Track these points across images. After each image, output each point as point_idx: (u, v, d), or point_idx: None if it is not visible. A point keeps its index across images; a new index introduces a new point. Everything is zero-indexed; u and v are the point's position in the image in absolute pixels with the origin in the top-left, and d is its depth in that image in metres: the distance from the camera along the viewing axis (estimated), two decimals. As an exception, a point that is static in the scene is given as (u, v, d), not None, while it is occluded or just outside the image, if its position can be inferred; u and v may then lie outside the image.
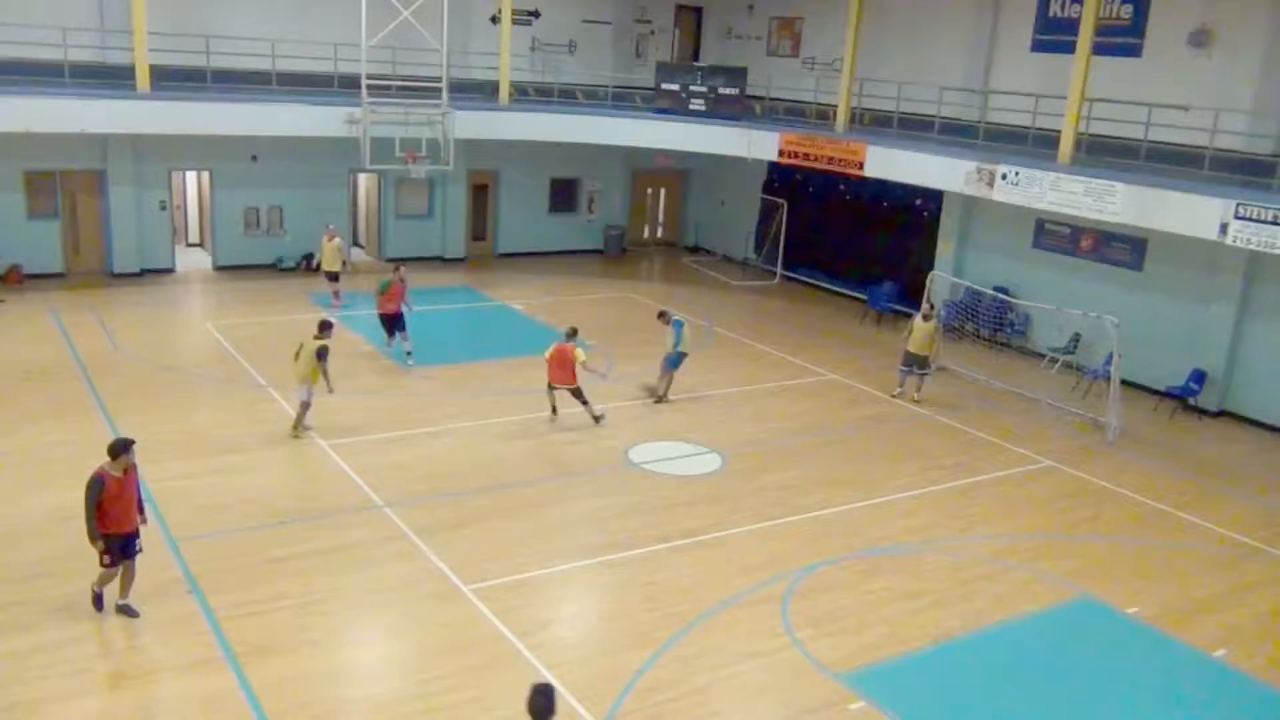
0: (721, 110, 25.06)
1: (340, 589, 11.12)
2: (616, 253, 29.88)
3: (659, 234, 32.15)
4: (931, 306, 18.90)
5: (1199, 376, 19.02)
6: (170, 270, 24.52)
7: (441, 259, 27.63)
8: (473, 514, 13.10)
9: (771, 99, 27.12)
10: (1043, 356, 21.61)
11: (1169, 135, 18.67)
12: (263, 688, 9.32)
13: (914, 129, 22.64)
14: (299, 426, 15.03)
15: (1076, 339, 21.02)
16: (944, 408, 18.21)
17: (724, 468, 15.13)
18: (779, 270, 28.20)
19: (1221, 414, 19.05)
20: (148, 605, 10.38)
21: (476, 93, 25.85)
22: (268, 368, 17.79)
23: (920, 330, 18.16)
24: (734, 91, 25.25)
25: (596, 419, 16.21)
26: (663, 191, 31.63)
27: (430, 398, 17.18)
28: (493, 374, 18.67)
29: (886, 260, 25.54)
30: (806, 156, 23.52)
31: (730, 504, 13.88)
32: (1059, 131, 19.44)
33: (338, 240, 22.44)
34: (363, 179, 27.33)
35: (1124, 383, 18.22)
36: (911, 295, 22.91)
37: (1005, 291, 21.75)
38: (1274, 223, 15.48)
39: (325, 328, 15.05)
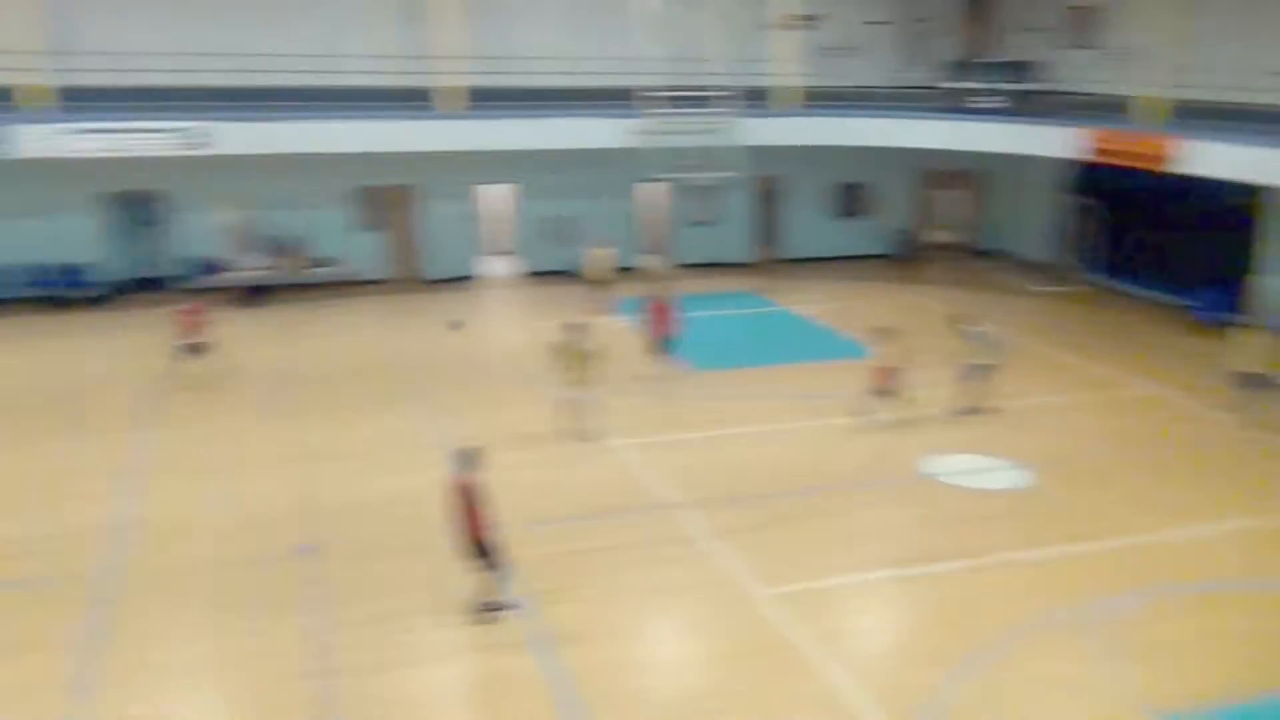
0: (1015, 107, 23.85)
1: (637, 585, 11.40)
2: (906, 257, 29.09)
3: (951, 237, 31.00)
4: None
5: None
6: (474, 278, 26.17)
7: (729, 264, 27.92)
8: (766, 519, 13.08)
9: (1069, 93, 25.47)
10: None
11: None
12: (566, 673, 9.70)
13: (1234, 120, 20.57)
14: (584, 429, 15.47)
15: None
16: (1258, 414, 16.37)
17: (1029, 483, 14.31)
18: (1084, 275, 26.46)
19: None
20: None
21: (761, 99, 25.92)
22: (501, 369, 18.63)
23: (1253, 345, 16.32)
24: (1028, 87, 23.96)
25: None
26: (956, 193, 30.48)
27: (720, 401, 17.35)
28: (781, 379, 18.62)
29: (1210, 265, 23.30)
30: (1118, 154, 21.91)
31: (1038, 522, 13.10)
32: None
33: (609, 250, 23.02)
34: (651, 187, 28.07)
35: None
36: (1237, 301, 20.83)
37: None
38: None
39: (576, 329, 15.41)
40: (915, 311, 23.81)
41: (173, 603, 10.88)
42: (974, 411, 16.51)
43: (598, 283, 22.90)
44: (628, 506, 13.36)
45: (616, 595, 11.21)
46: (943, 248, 30.70)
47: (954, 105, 24.50)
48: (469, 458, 10.13)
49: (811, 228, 28.80)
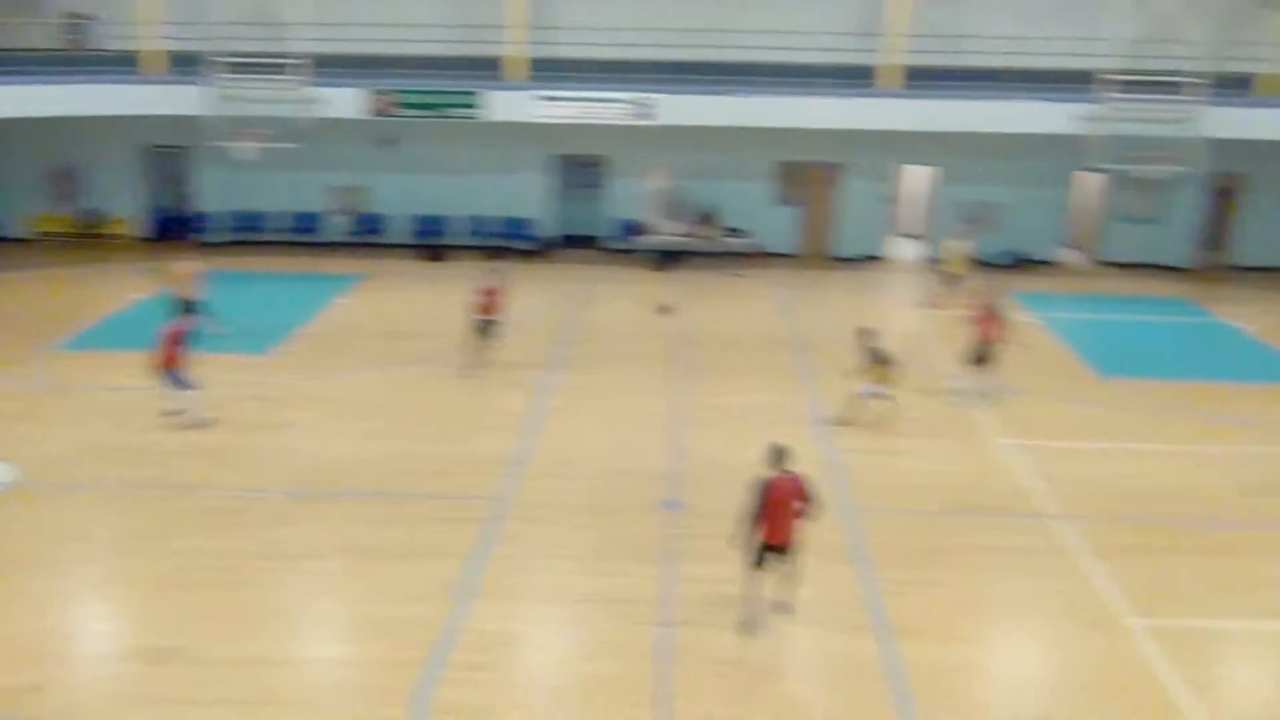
0: None
1: (995, 590, 11.02)
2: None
3: None
4: None
5: None
6: (882, 258, 25.97)
7: (1163, 266, 25.51)
8: (1154, 544, 12.06)
9: None
10: None
11: None
12: (906, 666, 9.65)
13: None
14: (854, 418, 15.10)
15: None
16: None
17: None
18: None
19: None
20: (815, 560, 11.20)
21: (1238, 87, 23.20)
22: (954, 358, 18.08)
23: None
24: None
25: None
26: None
27: (1125, 412, 16.08)
28: (1199, 396, 16.86)
29: None
30: None
31: None
32: None
33: (965, 242, 22.08)
34: (1086, 177, 26.21)
35: None
36: None
37: None
38: None
39: (869, 334, 15.13)
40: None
41: (548, 534, 12.07)
42: None
43: (951, 275, 21.85)
44: (1003, 508, 12.87)
45: (974, 597, 10.91)
46: None
47: None
48: (779, 455, 9.88)
49: (1273, 232, 25.49)
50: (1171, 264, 25.54)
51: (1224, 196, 25.51)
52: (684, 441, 14.64)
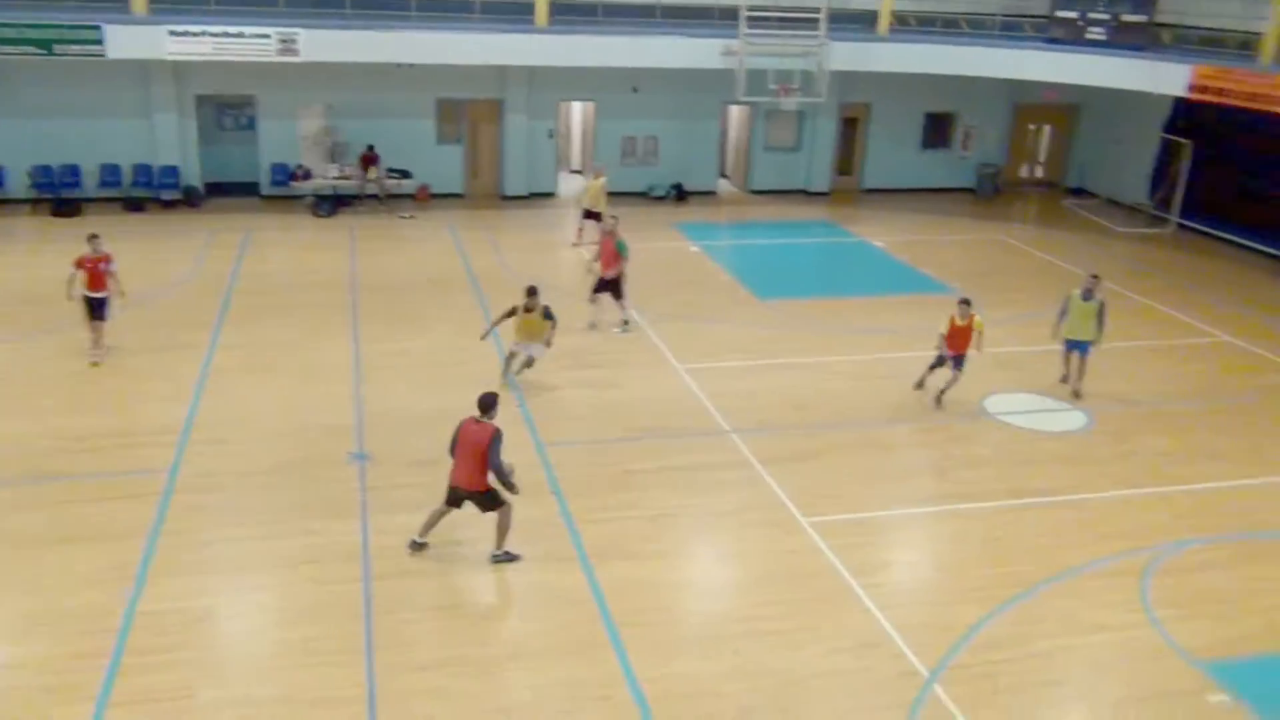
0: (1123, 39, 22.88)
1: (686, 507, 11.60)
2: (989, 192, 28.35)
3: (1039, 173, 30.12)
4: None
5: None
6: (553, 195, 26.25)
7: (805, 192, 27.56)
8: (818, 448, 13.15)
9: (1184, 26, 24.35)
10: None
11: None
12: (609, 588, 9.98)
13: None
14: (507, 375, 14.49)
15: None
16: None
17: (1090, 426, 14.14)
18: (1175, 218, 25.58)
19: None
20: (519, 501, 11.32)
21: (855, 23, 25.25)
22: (632, 291, 18.67)
23: None
24: (1140, 19, 22.96)
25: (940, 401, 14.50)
26: (1047, 128, 29.52)
27: (784, 330, 17.32)
28: (849, 310, 18.49)
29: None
30: (1221, 92, 20.98)
31: (1093, 466, 12.97)
32: None
33: (604, 180, 21.37)
34: (734, 110, 27.69)
35: None
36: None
37: None
38: None
39: (530, 294, 14.08)
40: (993, 249, 23.35)
41: (228, 501, 11.38)
42: (1077, 395, 14.96)
43: (592, 213, 21.13)
44: (686, 430, 13.52)
45: (665, 515, 11.42)
46: (1030, 184, 29.88)
47: (1065, 36, 23.50)
48: (481, 404, 10.00)
49: (895, 158, 28.19)
50: (813, 189, 27.62)
51: (851, 125, 27.84)
52: (367, 391, 14.19)
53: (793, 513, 11.51)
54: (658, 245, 22.17)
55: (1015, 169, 29.63)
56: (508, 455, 10.04)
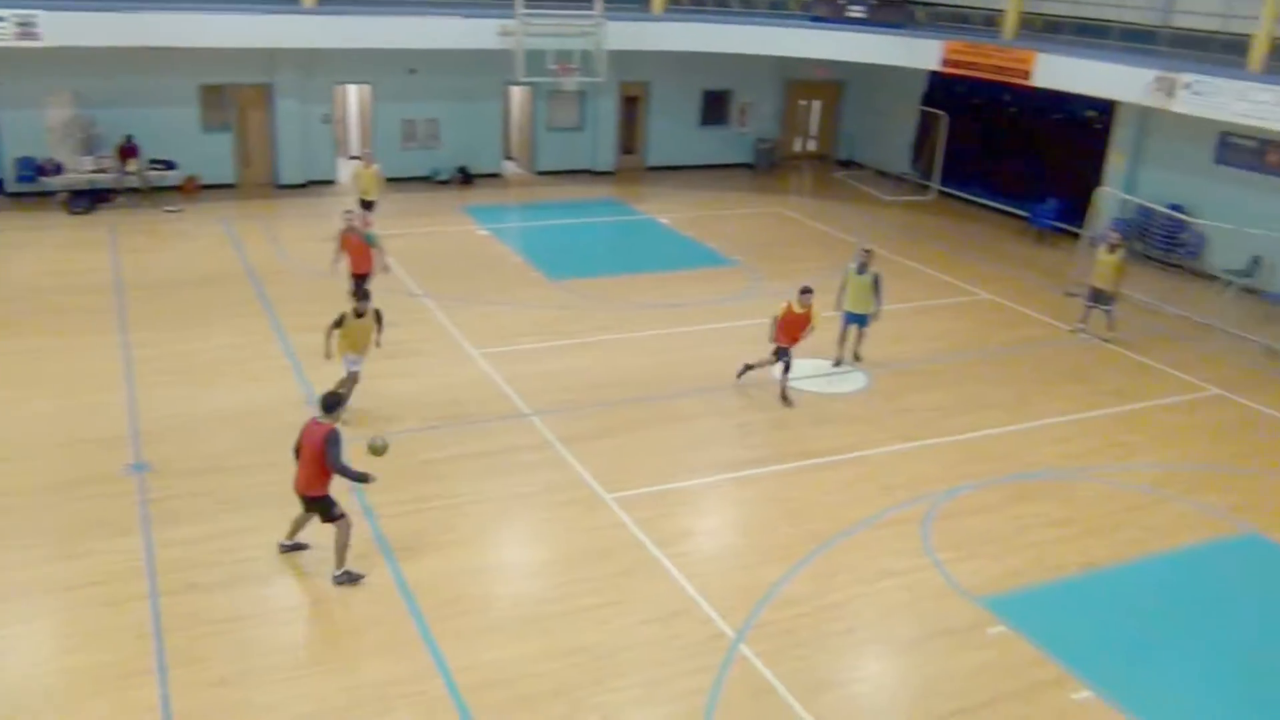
0: (881, 17, 24.10)
1: (487, 492, 11.52)
2: (767, 166, 29.38)
3: (811, 147, 31.43)
4: (1121, 237, 17.52)
5: (1395, 304, 17.63)
6: (333, 182, 25.40)
7: (591, 172, 27.76)
8: (617, 425, 13.32)
9: (934, 4, 25.91)
10: (1216, 279, 20.35)
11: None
12: (415, 582, 9.81)
13: (1089, 35, 21.31)
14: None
15: (1256, 261, 19.70)
16: (1101, 330, 17.39)
17: (869, 386, 14.92)
18: (935, 185, 27.26)
19: None
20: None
21: (631, 3, 25.54)
22: (423, 277, 18.37)
23: (1104, 263, 16.95)
24: (894, -3, 24.25)
25: (786, 399, 14.23)
26: (817, 103, 30.82)
27: (577, 309, 17.43)
28: (639, 287, 18.78)
29: (1052, 176, 24.33)
30: (971, 66, 22.48)
31: (874, 423, 13.71)
32: (1251, 36, 17.96)
33: (376, 167, 20.39)
34: (516, 92, 27.54)
35: (1308, 309, 17.05)
36: (1076, 213, 21.83)
37: (1180, 209, 20.49)
38: None
39: (362, 299, 12.89)
40: (773, 221, 24.22)
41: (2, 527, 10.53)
42: (858, 359, 15.55)
43: (366, 203, 20.06)
44: (482, 415, 13.40)
45: (467, 502, 11.32)
46: (804, 157, 31.13)
47: (828, 14, 24.49)
48: (322, 404, 9.65)
49: (675, 135, 28.76)
50: (598, 168, 27.83)
51: (633, 104, 28.20)
52: (141, 398, 13.35)
53: (596, 490, 11.63)
54: (446, 230, 21.87)
55: (790, 143, 30.79)
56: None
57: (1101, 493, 12.20)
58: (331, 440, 9.39)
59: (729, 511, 11.75)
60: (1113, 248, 16.90)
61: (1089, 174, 22.67)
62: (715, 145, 29.28)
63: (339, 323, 12.58)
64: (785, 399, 14.13)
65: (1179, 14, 21.20)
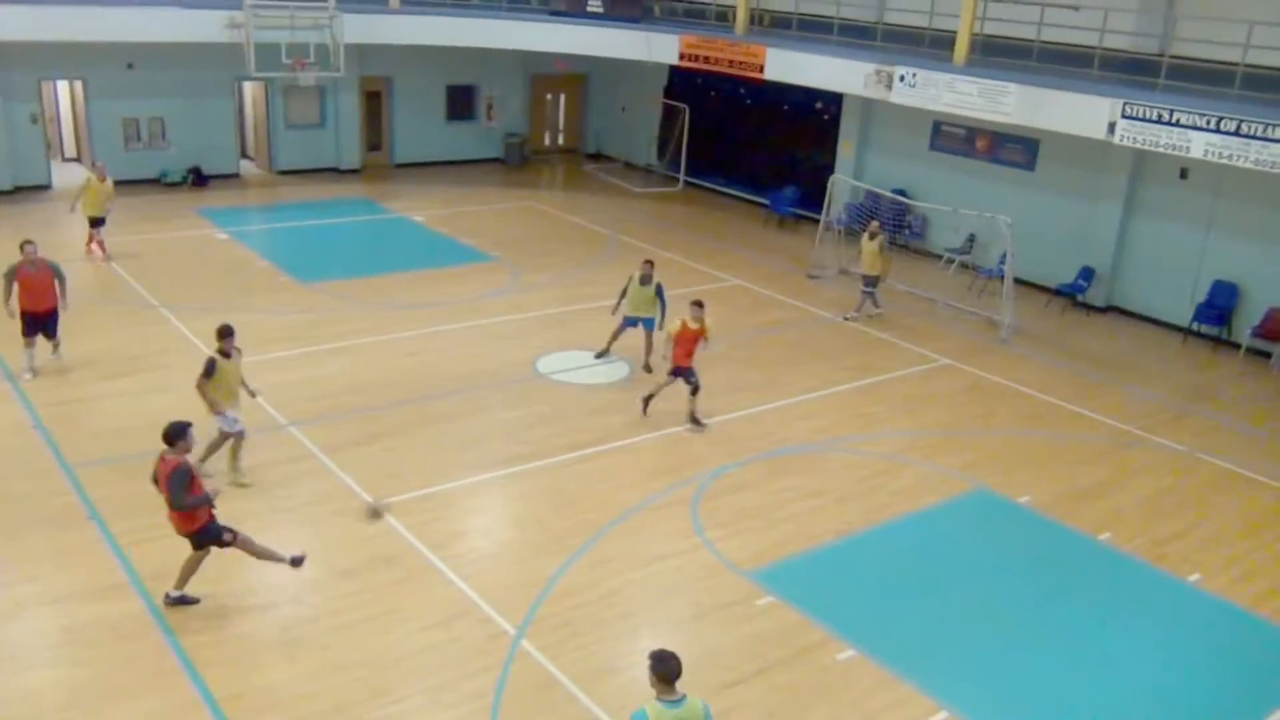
0: (619, 12, 24.55)
1: (249, 511, 10.94)
2: (517, 161, 29.37)
3: (560, 141, 31.67)
4: (880, 225, 18.61)
5: (1087, 273, 19.69)
6: (47, 187, 23.35)
7: (336, 170, 26.84)
8: (381, 429, 12.99)
9: (670, 0, 26.67)
10: (940, 257, 22.08)
11: (1061, 35, 18.90)
12: (172, 611, 9.22)
13: (814, 31, 22.54)
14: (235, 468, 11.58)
15: (972, 239, 21.51)
16: (846, 310, 18.52)
17: (631, 375, 15.23)
18: (682, 176, 28.10)
19: (1109, 309, 19.78)
20: (47, 531, 10.16)
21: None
22: (157, 287, 17.22)
23: (866, 250, 17.98)
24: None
25: (697, 420, 13.67)
26: (562, 97, 31.07)
27: (332, 313, 16.84)
28: (395, 287, 18.36)
29: (788, 164, 25.66)
30: (707, 60, 23.28)
31: (638, 411, 14.00)
32: (955, 33, 19.53)
33: (110, 181, 18.76)
34: (249, 87, 26.23)
35: (1017, 281, 18.75)
36: (813, 199, 23.09)
37: (903, 193, 22.07)
38: (1159, 121, 15.91)
39: (227, 335, 11.29)
40: (525, 215, 24.26)
41: None
42: (648, 369, 15.14)
43: (96, 219, 18.61)
44: (234, 429, 12.72)
45: (225, 521, 10.70)
46: (554, 151, 31.33)
47: (567, 8, 24.64)
48: (170, 436, 9.00)
49: (422, 131, 28.24)
50: (344, 167, 26.93)
51: (376, 99, 27.47)
52: None
53: (365, 498, 11.30)
54: (181, 235, 20.59)
55: (539, 137, 30.90)
56: (35, 479, 8.88)
57: (850, 462, 13.00)
58: (172, 476, 8.79)
59: (501, 509, 11.71)
60: (873, 235, 18.01)
61: (822, 162, 24.07)
62: (464, 141, 28.98)
63: (209, 371, 11.02)
64: (695, 422, 13.59)
65: (892, 11, 22.81)
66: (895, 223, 22.37)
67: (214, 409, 11.15)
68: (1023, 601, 10.42)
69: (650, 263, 15.55)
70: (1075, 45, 18.47)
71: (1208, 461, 13.62)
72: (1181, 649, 9.85)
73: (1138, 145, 16.42)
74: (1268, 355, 17.44)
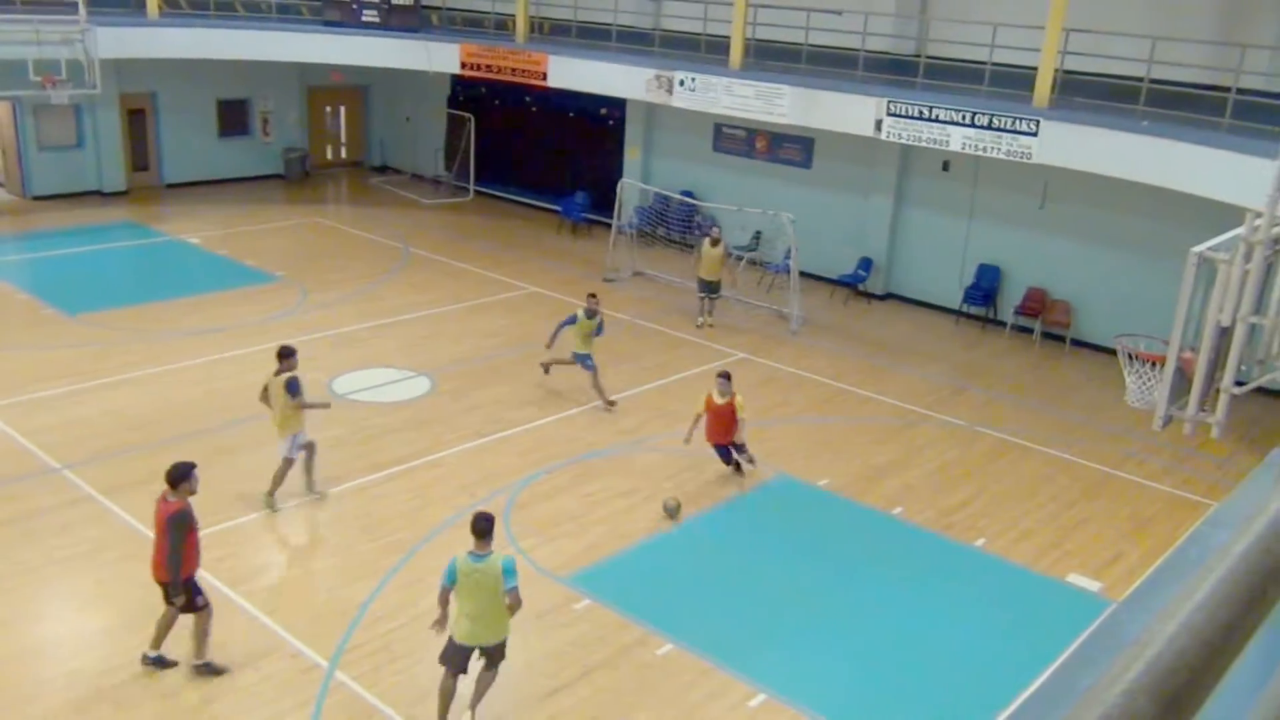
0: (395, 22, 24.10)
1: (23, 563, 10.14)
2: (298, 176, 28.34)
3: (343, 154, 30.78)
4: (719, 230, 18.95)
5: (866, 264, 20.75)
6: None
7: (100, 193, 25.14)
8: (166, 466, 12.21)
9: (448, 9, 26.37)
10: (730, 255, 22.73)
11: (827, 39, 19.84)
12: (-60, 682, 8.43)
13: (593, 38, 22.80)
14: (271, 495, 11.46)
15: (758, 236, 22.28)
16: (643, 311, 18.83)
17: (433, 389, 14.98)
18: (472, 186, 27.84)
19: (888, 297, 20.91)
20: None
21: (120, 5, 23.37)
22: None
23: (710, 255, 18.22)
24: (408, 1, 24.34)
25: (747, 462, 12.79)
26: (343, 109, 30.21)
27: (104, 346, 15.79)
28: (174, 314, 17.39)
29: (578, 170, 25.85)
30: (489, 68, 23.16)
31: (442, 425, 13.79)
32: (729, 38, 20.18)
33: None
34: (-6, 108, 24.27)
35: (802, 274, 19.54)
36: (604, 204, 23.35)
37: (691, 195, 22.62)
38: (920, 118, 16.94)
39: (287, 355, 11.35)
40: (310, 232, 23.47)
41: None
42: (611, 404, 14.69)
43: None
44: (3, 477, 11.73)
45: (7, 576, 9.89)
46: (337, 165, 30.42)
47: (340, 19, 23.94)
48: (173, 478, 8.36)
49: (193, 149, 26.81)
50: (107, 189, 25.26)
51: (140, 116, 25.93)
52: None
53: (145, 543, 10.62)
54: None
55: (320, 151, 29.93)
56: None
57: (657, 461, 13.21)
58: (170, 521, 8.16)
59: (305, 537, 11.28)
60: (715, 241, 18.31)
61: (611, 167, 24.37)
62: (240, 157, 27.71)
63: (296, 389, 11.22)
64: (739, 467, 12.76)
65: (667, 17, 23.35)
66: (685, 224, 22.93)
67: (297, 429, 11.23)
68: (827, 581, 10.86)
69: (594, 295, 14.93)
70: (841, 48, 19.43)
71: (985, 433, 14.59)
72: (972, 610, 10.51)
73: (903, 140, 17.42)
74: (1030, 331, 18.86)
